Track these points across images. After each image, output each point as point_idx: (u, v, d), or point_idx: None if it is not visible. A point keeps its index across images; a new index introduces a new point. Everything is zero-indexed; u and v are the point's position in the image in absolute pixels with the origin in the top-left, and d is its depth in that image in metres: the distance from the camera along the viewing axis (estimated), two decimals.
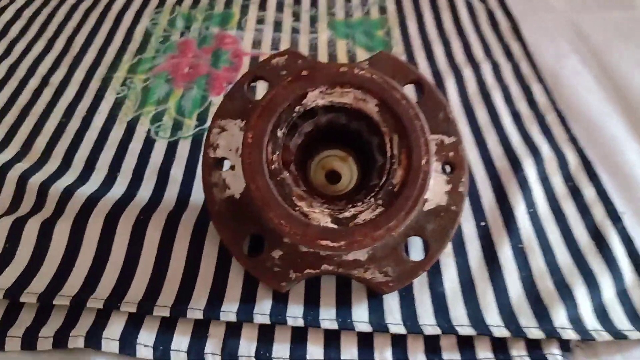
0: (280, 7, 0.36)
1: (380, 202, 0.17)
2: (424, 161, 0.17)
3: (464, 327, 0.18)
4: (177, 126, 0.27)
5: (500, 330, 0.18)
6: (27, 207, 0.22)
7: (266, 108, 0.17)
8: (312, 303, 0.19)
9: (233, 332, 0.18)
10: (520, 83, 0.29)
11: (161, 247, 0.20)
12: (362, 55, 0.32)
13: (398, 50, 0.32)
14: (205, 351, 0.18)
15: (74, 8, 0.35)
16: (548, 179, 0.24)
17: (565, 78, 0.29)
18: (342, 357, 0.18)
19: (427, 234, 0.19)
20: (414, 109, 0.18)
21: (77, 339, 0.17)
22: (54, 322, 0.18)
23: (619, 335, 0.18)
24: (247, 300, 0.19)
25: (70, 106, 0.28)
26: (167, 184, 0.24)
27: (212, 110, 0.27)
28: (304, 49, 0.32)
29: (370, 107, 0.18)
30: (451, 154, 0.19)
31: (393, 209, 0.17)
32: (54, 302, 0.18)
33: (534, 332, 0.18)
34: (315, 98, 0.18)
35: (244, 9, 0.35)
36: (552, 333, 0.18)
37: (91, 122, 0.27)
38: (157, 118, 0.27)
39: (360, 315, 0.19)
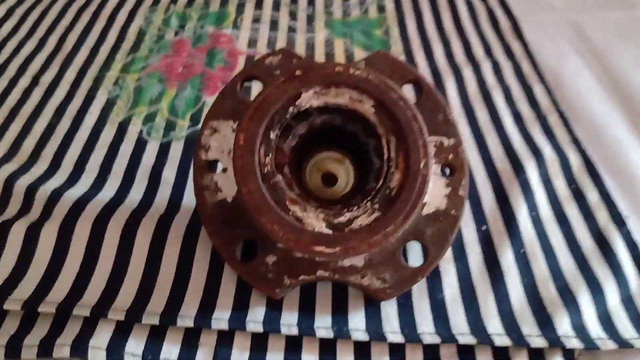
0: (276, 6, 0.35)
1: (377, 206, 0.17)
2: (422, 164, 0.17)
3: (464, 335, 0.18)
4: (169, 127, 0.26)
5: (501, 339, 0.17)
6: (14, 210, 0.22)
7: (258, 109, 0.17)
8: (307, 310, 0.18)
9: (225, 340, 0.18)
10: (522, 83, 0.28)
11: (151, 252, 0.20)
12: (360, 54, 0.31)
13: (397, 49, 0.32)
14: None
15: (66, 6, 0.34)
16: (550, 182, 0.23)
17: (566, 78, 0.29)
18: None
19: (426, 239, 0.18)
20: (412, 110, 0.17)
21: (62, 348, 0.17)
22: (39, 330, 0.18)
23: (624, 344, 0.17)
24: (240, 308, 0.18)
25: (61, 106, 0.27)
26: (158, 186, 0.23)
27: (206, 111, 0.27)
28: (300, 48, 0.32)
29: (367, 108, 0.17)
30: (451, 156, 0.18)
31: (390, 213, 0.16)
32: (39, 310, 0.18)
33: (537, 340, 0.17)
34: (309, 99, 0.17)
35: (240, 8, 0.35)
36: (555, 342, 0.17)
37: (82, 122, 0.26)
38: (149, 118, 0.27)
39: (357, 323, 0.18)
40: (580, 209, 0.22)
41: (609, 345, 0.17)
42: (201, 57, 0.31)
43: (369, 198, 0.17)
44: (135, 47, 0.31)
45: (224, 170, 0.19)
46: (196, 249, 0.20)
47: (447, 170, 0.19)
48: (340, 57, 0.31)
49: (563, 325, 0.18)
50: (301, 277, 0.18)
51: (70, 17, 0.33)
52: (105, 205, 0.21)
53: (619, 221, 0.21)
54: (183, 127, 0.26)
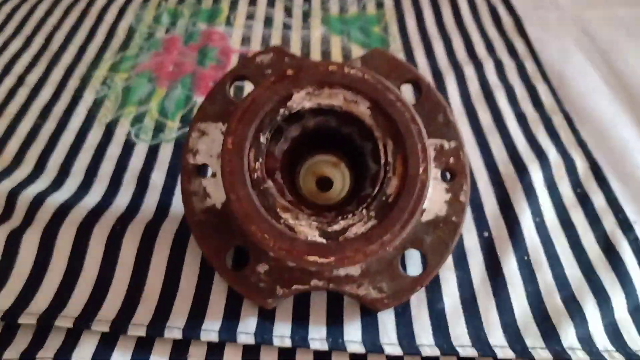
0: (271, 2, 0.34)
1: (373, 213, 0.16)
2: (421, 169, 0.16)
3: (465, 347, 0.17)
4: (159, 128, 0.25)
5: (504, 351, 0.17)
6: None
7: (247, 111, 0.16)
8: (300, 321, 0.18)
9: (215, 352, 0.17)
10: (525, 82, 0.28)
11: (138, 260, 0.19)
12: (357, 52, 0.30)
13: (396, 47, 0.31)
14: None
15: (54, 4, 0.33)
16: (555, 186, 0.22)
17: (571, 77, 0.28)
18: None
19: (425, 247, 0.17)
20: (410, 111, 0.16)
21: None
22: (20, 342, 0.17)
23: (632, 356, 0.17)
24: (231, 318, 0.17)
25: (46, 107, 0.26)
26: (146, 190, 0.22)
27: None
28: (295, 46, 0.31)
29: (362, 109, 0.16)
30: (451, 160, 0.17)
31: (387, 221, 0.16)
32: (20, 321, 0.17)
33: (541, 353, 0.17)
34: (301, 100, 0.16)
35: (233, 4, 0.34)
36: (560, 354, 0.17)
37: (68, 124, 0.25)
38: (138, 120, 0.26)
39: (353, 334, 0.17)
40: (586, 214, 0.21)
41: (617, 357, 0.17)
42: (192, 55, 0.30)
43: (364, 205, 0.16)
44: (125, 45, 0.30)
45: (213, 175, 0.18)
46: (185, 257, 0.19)
47: (448, 175, 0.18)
48: (337, 55, 0.30)
49: (568, 336, 0.17)
50: (294, 287, 0.17)
51: (59, 15, 0.33)
52: (91, 211, 0.21)
53: (626, 227, 0.21)
54: (173, 128, 0.25)
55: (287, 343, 0.17)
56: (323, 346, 0.17)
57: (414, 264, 0.19)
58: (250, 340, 0.17)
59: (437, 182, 0.17)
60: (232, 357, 0.17)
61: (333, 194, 0.19)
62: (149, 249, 0.19)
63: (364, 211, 0.16)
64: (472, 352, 0.17)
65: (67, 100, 0.26)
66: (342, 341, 0.17)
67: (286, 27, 0.32)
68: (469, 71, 0.28)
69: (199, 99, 0.27)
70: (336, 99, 0.17)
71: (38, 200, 0.21)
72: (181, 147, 0.24)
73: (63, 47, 0.30)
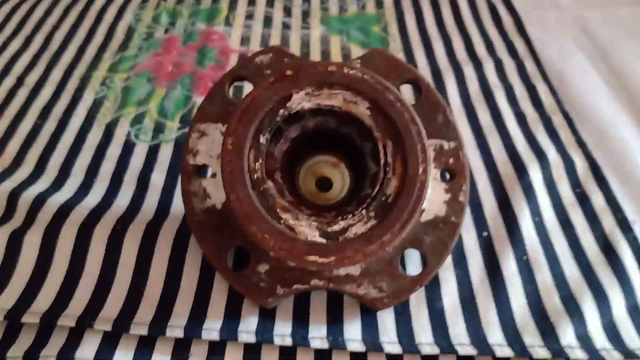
0: (270, 2, 0.34)
1: (372, 214, 0.16)
2: (420, 169, 0.16)
3: (464, 346, 0.17)
4: (158, 129, 0.25)
5: (503, 350, 0.17)
6: None
7: (246, 111, 0.16)
8: (301, 320, 0.18)
9: (216, 351, 0.17)
10: (525, 82, 0.28)
11: (139, 260, 0.19)
12: (357, 52, 0.30)
13: (395, 47, 0.31)
14: None
15: (54, 4, 0.33)
16: (555, 185, 0.22)
17: (571, 77, 0.28)
18: None
19: (425, 247, 0.17)
20: (410, 111, 0.16)
21: None
22: (23, 342, 0.17)
23: (630, 355, 0.17)
24: (232, 317, 0.18)
25: (46, 107, 0.26)
26: (147, 191, 0.22)
27: None
28: (295, 46, 0.31)
29: (362, 110, 0.17)
30: (451, 160, 0.18)
31: (387, 221, 0.16)
32: (23, 320, 0.17)
33: (540, 351, 0.17)
34: (300, 100, 0.16)
35: (232, 4, 0.34)
36: (559, 353, 0.17)
37: (67, 124, 0.25)
38: (137, 120, 0.26)
39: (353, 333, 0.17)
40: (585, 214, 0.21)
41: (615, 356, 0.17)
42: (192, 55, 0.30)
43: (364, 205, 0.16)
44: (124, 45, 0.30)
45: (213, 175, 0.18)
46: (186, 257, 0.19)
47: (447, 175, 0.18)
48: (336, 55, 0.30)
49: (567, 335, 0.17)
50: (295, 287, 0.17)
51: (58, 15, 0.32)
52: (92, 211, 0.21)
53: (625, 227, 0.21)
54: (172, 129, 0.25)
55: (288, 342, 0.17)
56: (323, 345, 0.17)
57: (413, 264, 0.19)
58: (251, 339, 0.17)
59: (436, 183, 0.17)
60: (233, 355, 0.17)
61: (332, 195, 0.19)
62: (150, 248, 0.19)
63: (364, 211, 0.16)
64: (471, 350, 0.17)
65: (67, 100, 0.27)
66: (342, 340, 0.17)
67: (285, 26, 0.32)
68: (469, 71, 0.28)
69: (198, 99, 0.27)
70: (336, 99, 0.17)
71: (39, 201, 0.21)
72: (181, 147, 0.24)
73: (62, 47, 0.30)
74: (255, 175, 0.16)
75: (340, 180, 0.19)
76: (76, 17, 0.32)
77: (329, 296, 0.18)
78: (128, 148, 0.24)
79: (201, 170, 0.18)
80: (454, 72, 0.28)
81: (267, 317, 0.18)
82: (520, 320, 0.18)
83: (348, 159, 0.19)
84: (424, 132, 0.16)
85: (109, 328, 0.17)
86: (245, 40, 0.31)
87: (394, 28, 0.32)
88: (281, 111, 0.17)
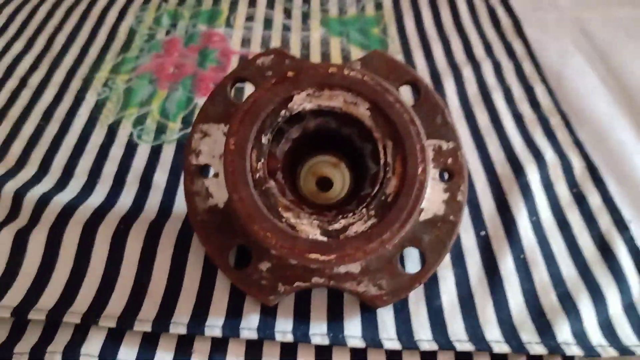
0: (270, 4, 0.34)
1: (372, 212, 0.16)
2: (419, 169, 0.16)
3: (462, 342, 0.17)
4: (160, 130, 0.26)
5: (500, 346, 0.17)
6: (1, 215, 0.21)
7: (248, 112, 0.16)
8: (302, 317, 0.18)
9: (219, 347, 0.17)
10: (523, 84, 0.28)
11: (142, 258, 0.19)
12: (356, 54, 0.31)
13: (394, 48, 0.31)
14: None
15: (56, 6, 0.34)
16: (552, 186, 0.23)
17: (569, 78, 0.28)
18: None
19: (424, 245, 0.18)
20: (409, 112, 0.17)
21: (53, 356, 0.16)
22: (30, 338, 0.17)
23: (625, 351, 0.17)
24: (234, 315, 0.18)
25: (49, 109, 0.26)
26: (149, 191, 0.22)
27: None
28: (295, 47, 0.31)
29: (362, 111, 0.17)
30: (449, 160, 0.18)
31: (387, 220, 0.16)
32: (30, 317, 0.17)
33: (536, 347, 0.17)
34: (301, 101, 0.17)
35: (233, 6, 0.34)
36: (555, 349, 0.17)
37: (70, 125, 0.25)
38: (139, 121, 0.26)
39: (353, 330, 0.18)
40: (582, 213, 0.22)
41: (610, 352, 0.17)
42: (193, 57, 0.30)
43: (364, 204, 0.17)
44: (126, 47, 0.31)
45: (216, 175, 0.18)
46: (188, 255, 0.19)
47: (446, 175, 0.18)
48: (336, 56, 0.30)
49: (563, 332, 0.18)
50: (296, 284, 0.17)
51: (60, 17, 0.33)
52: (95, 211, 0.21)
53: (621, 226, 0.21)
54: (174, 129, 0.26)
55: (289, 338, 0.17)
56: (324, 341, 0.17)
57: (412, 262, 0.19)
58: (253, 335, 0.17)
59: (435, 182, 0.18)
60: (235, 352, 0.17)
61: (333, 194, 0.19)
62: (153, 247, 0.20)
63: (364, 210, 0.16)
64: (469, 347, 0.17)
65: (70, 102, 0.27)
66: (342, 336, 0.17)
67: (286, 28, 0.32)
68: (467, 72, 0.29)
69: (200, 101, 0.27)
70: (336, 100, 0.17)
71: (43, 201, 0.21)
72: (183, 147, 0.24)
73: (65, 48, 0.30)
74: (257, 175, 0.16)
75: (341, 180, 0.19)
76: (78, 19, 0.33)
77: (330, 294, 0.19)
78: (130, 149, 0.24)
79: (203, 170, 0.18)
80: (453, 73, 0.29)
81: (268, 314, 0.18)
82: (518, 317, 0.18)
83: (348, 159, 0.19)
84: (423, 132, 0.17)
85: (113, 325, 0.17)
86: (245, 42, 0.31)
87: (393, 30, 0.32)
88: (283, 112, 0.17)
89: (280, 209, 0.16)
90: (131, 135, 0.25)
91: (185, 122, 0.26)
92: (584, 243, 0.20)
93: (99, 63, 0.29)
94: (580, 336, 0.17)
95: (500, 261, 0.20)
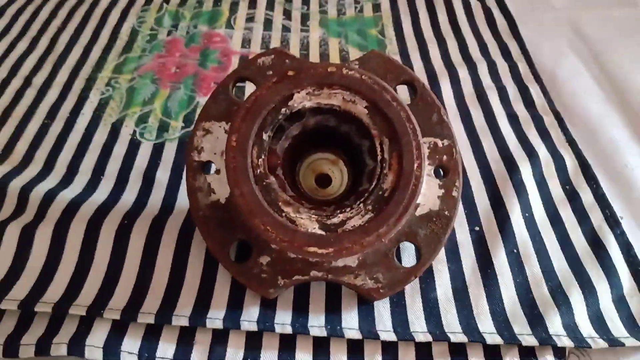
0: (270, 5, 0.35)
1: (370, 207, 0.17)
2: (415, 165, 0.17)
3: (456, 334, 0.18)
4: (163, 128, 0.26)
5: (493, 338, 0.18)
6: (8, 211, 0.22)
7: (250, 110, 0.17)
8: (300, 310, 0.18)
9: (220, 339, 0.18)
10: (518, 83, 0.28)
11: (145, 253, 0.20)
12: (355, 54, 0.31)
13: (392, 49, 0.31)
14: (192, 358, 0.17)
15: (59, 6, 0.34)
16: (545, 183, 0.23)
17: (563, 78, 0.29)
18: None
19: (419, 240, 0.18)
20: (406, 110, 0.17)
21: (59, 347, 0.17)
22: (36, 329, 0.18)
23: (615, 343, 0.18)
24: (234, 307, 0.18)
25: (53, 108, 0.27)
26: (152, 187, 0.23)
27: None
28: (295, 48, 0.31)
29: (360, 109, 0.17)
30: (445, 157, 0.18)
31: (383, 214, 0.16)
32: (36, 309, 0.18)
33: (528, 339, 0.18)
34: (301, 100, 0.17)
35: (234, 7, 0.35)
36: (546, 340, 0.18)
37: (74, 124, 0.26)
38: (142, 119, 0.26)
39: (350, 322, 0.18)
40: (574, 210, 0.22)
41: (600, 344, 0.18)
42: (194, 57, 0.30)
43: (362, 199, 0.17)
44: (128, 47, 0.31)
45: (217, 171, 0.19)
46: (190, 250, 0.20)
47: (441, 172, 0.19)
48: (334, 57, 0.31)
49: (554, 324, 0.18)
50: (295, 278, 0.18)
51: (62, 17, 0.33)
52: (99, 207, 0.21)
53: (613, 222, 0.21)
54: (176, 128, 0.26)
55: (288, 330, 0.18)
56: (322, 333, 0.18)
57: (408, 256, 0.20)
58: (253, 327, 0.18)
59: (430, 179, 0.18)
60: (235, 343, 0.18)
61: (332, 191, 0.20)
62: (156, 242, 0.20)
63: (362, 205, 0.17)
64: (462, 338, 0.18)
65: (73, 101, 0.27)
66: (340, 328, 0.18)
67: (285, 29, 0.33)
68: (463, 73, 0.29)
69: (201, 100, 0.28)
70: (335, 98, 0.17)
71: (49, 197, 0.22)
72: (185, 145, 0.25)
73: (68, 49, 0.31)
74: (258, 171, 0.17)
75: (339, 176, 0.20)
76: (80, 20, 0.33)
77: (328, 287, 0.19)
78: (133, 147, 0.25)
79: (205, 166, 0.19)
80: (449, 73, 0.29)
81: (268, 307, 0.18)
82: (510, 310, 0.19)
83: (346, 156, 0.19)
84: (419, 130, 0.17)
85: (117, 317, 0.18)
86: (246, 42, 0.32)
87: (390, 31, 0.33)
88: (283, 110, 0.17)
89: (280, 203, 0.17)
90: (134, 133, 0.26)
91: (187, 120, 0.26)
92: (576, 238, 0.21)
93: (101, 63, 0.30)
94: (571, 328, 0.18)
95: (494, 255, 0.20)
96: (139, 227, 0.20)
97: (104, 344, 0.17)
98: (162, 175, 0.24)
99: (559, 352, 0.18)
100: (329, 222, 0.17)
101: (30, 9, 0.34)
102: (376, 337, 0.18)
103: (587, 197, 0.23)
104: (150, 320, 0.18)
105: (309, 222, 0.17)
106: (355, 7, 0.35)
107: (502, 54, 0.31)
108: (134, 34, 0.32)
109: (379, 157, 0.17)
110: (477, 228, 0.21)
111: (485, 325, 0.18)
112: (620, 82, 0.28)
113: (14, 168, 0.23)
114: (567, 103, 0.27)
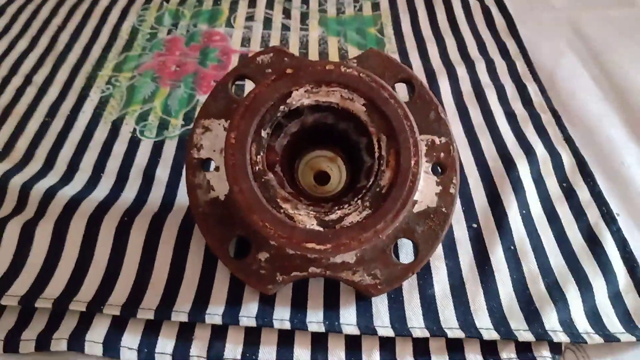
0: (270, 4, 0.35)
1: (367, 204, 0.17)
2: (412, 162, 0.17)
3: (453, 329, 0.18)
4: (163, 126, 0.26)
5: (489, 333, 0.18)
6: (9, 208, 0.22)
7: (249, 108, 0.17)
8: (299, 306, 0.19)
9: (219, 335, 0.18)
10: (516, 82, 0.29)
11: (145, 249, 0.20)
12: (354, 53, 0.31)
13: (391, 48, 0.32)
14: (191, 354, 0.17)
15: (59, 4, 0.34)
16: (542, 180, 0.23)
17: (561, 77, 0.29)
18: None
19: (417, 236, 0.18)
20: (403, 108, 0.17)
21: (59, 342, 0.17)
22: (37, 325, 0.18)
23: (610, 338, 0.18)
24: (233, 303, 0.18)
25: (54, 106, 0.27)
26: (152, 185, 0.23)
27: None
28: (294, 46, 0.32)
29: (358, 106, 0.18)
30: (442, 154, 0.19)
31: (381, 211, 0.17)
32: (36, 305, 0.18)
33: (525, 334, 0.18)
34: (300, 97, 0.17)
35: (233, 6, 0.35)
36: (542, 336, 0.18)
37: (75, 122, 0.26)
38: (142, 117, 0.27)
39: (348, 318, 0.18)
40: (571, 207, 0.22)
41: (596, 339, 0.18)
42: (194, 55, 0.31)
43: (359, 196, 0.17)
44: (128, 45, 0.31)
45: (216, 168, 0.19)
46: (190, 246, 0.20)
47: (439, 169, 0.19)
48: (333, 55, 0.31)
49: (551, 320, 0.18)
50: (293, 274, 0.18)
51: (63, 16, 0.33)
52: (99, 204, 0.22)
53: (609, 219, 0.22)
54: (176, 126, 0.26)
55: (287, 325, 0.18)
56: (320, 328, 0.18)
57: (406, 253, 0.20)
58: (251, 323, 0.18)
59: (428, 176, 0.18)
60: (234, 339, 0.18)
61: (330, 188, 0.20)
62: (156, 239, 0.20)
63: (359, 201, 0.17)
64: (459, 333, 0.18)
65: (74, 99, 0.27)
66: (338, 324, 0.18)
67: (285, 28, 0.33)
68: (462, 71, 0.29)
69: (201, 98, 0.28)
70: (333, 96, 0.18)
71: (49, 194, 0.22)
72: (184, 143, 0.25)
73: (68, 47, 0.31)
74: (257, 168, 0.17)
75: (338, 174, 0.20)
76: (81, 18, 0.33)
77: (326, 283, 0.19)
78: (133, 144, 0.25)
79: (205, 164, 0.19)
80: (448, 72, 0.29)
81: (267, 303, 0.18)
82: (507, 305, 0.19)
83: (345, 153, 0.20)
84: (416, 127, 0.17)
85: (117, 313, 0.18)
86: (245, 41, 0.32)
87: (389, 30, 0.33)
88: (281, 107, 0.18)
89: (278, 200, 0.17)
90: (134, 131, 0.26)
91: (187, 118, 0.27)
92: (573, 235, 0.21)
93: (102, 61, 0.30)
94: (567, 324, 0.18)
95: (491, 252, 0.20)
96: (139, 223, 0.21)
97: (104, 339, 0.17)
98: (162, 173, 0.24)
99: (555, 347, 0.18)
100: (326, 218, 0.17)
101: (30, 8, 0.34)
102: (374, 332, 0.18)
103: (584, 194, 0.23)
104: (150, 316, 0.18)
105: (307, 219, 0.17)
106: (355, 6, 0.35)
107: (500, 53, 0.31)
108: (134, 32, 0.32)
109: (377, 154, 0.17)
110: (474, 225, 0.22)
111: (482, 321, 0.18)
112: (618, 81, 0.28)
113: (14, 165, 0.24)
114: (566, 102, 0.27)
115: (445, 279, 0.20)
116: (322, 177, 0.20)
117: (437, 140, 0.19)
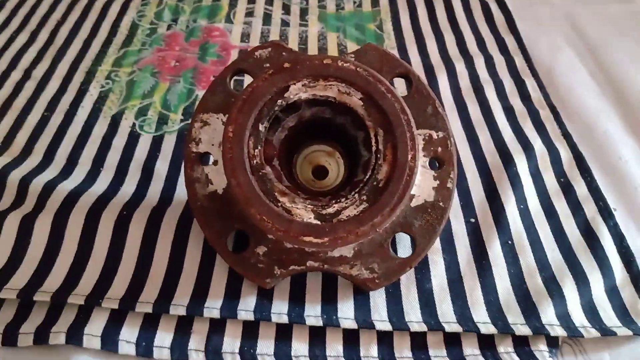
0: (269, 0, 0.35)
1: (364, 197, 0.17)
2: (409, 156, 0.17)
3: (450, 323, 0.18)
4: (162, 120, 0.26)
5: (487, 327, 0.18)
6: (8, 202, 0.22)
7: (247, 101, 0.17)
8: (297, 299, 0.19)
9: (217, 328, 0.18)
10: (514, 77, 0.29)
11: (144, 243, 0.20)
12: (353, 48, 0.31)
13: (390, 43, 0.32)
14: (189, 347, 0.17)
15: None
16: (540, 175, 0.23)
17: (560, 73, 0.29)
18: (327, 354, 0.17)
19: (415, 230, 0.18)
20: (400, 102, 0.17)
21: (58, 335, 0.17)
22: (35, 318, 0.18)
23: (607, 332, 0.18)
24: (231, 297, 0.19)
25: (53, 100, 0.27)
26: (151, 179, 0.23)
27: None
28: (293, 42, 0.32)
29: (355, 100, 0.18)
30: (439, 149, 0.19)
31: (378, 204, 0.17)
32: (35, 298, 0.18)
33: (522, 328, 0.18)
34: (297, 91, 0.17)
35: (233, 1, 0.35)
36: (539, 330, 0.18)
37: (74, 116, 0.26)
38: (142, 112, 0.27)
39: (346, 311, 0.18)
40: (568, 201, 0.22)
41: (593, 333, 0.18)
42: (194, 50, 0.31)
43: (357, 189, 0.17)
44: (128, 40, 0.31)
45: (215, 162, 0.19)
46: (188, 240, 0.20)
47: (436, 163, 0.19)
48: (333, 51, 0.31)
49: (548, 314, 0.18)
50: (291, 268, 0.18)
51: (62, 11, 0.33)
52: (99, 198, 0.22)
53: (606, 214, 0.22)
54: (175, 120, 0.26)
55: (285, 319, 0.18)
56: (318, 322, 0.18)
57: (403, 247, 0.20)
58: (249, 316, 0.18)
59: (425, 170, 0.18)
60: (232, 332, 0.18)
61: (328, 182, 0.20)
62: (154, 233, 0.20)
63: (356, 195, 0.17)
64: (457, 327, 0.18)
65: (73, 93, 0.27)
66: (335, 318, 0.18)
67: (284, 24, 0.33)
68: (460, 67, 0.29)
69: (200, 93, 0.28)
70: (331, 90, 0.18)
71: (48, 188, 0.22)
72: (184, 138, 0.25)
73: (67, 42, 0.31)
74: (255, 161, 0.17)
75: (336, 168, 0.20)
76: (80, 13, 0.33)
77: (324, 277, 0.19)
78: (133, 139, 0.25)
79: (203, 158, 0.19)
80: (446, 67, 0.29)
81: (265, 297, 0.19)
82: (504, 300, 0.19)
83: (342, 148, 0.20)
84: (413, 121, 0.17)
85: (115, 306, 0.18)
86: (245, 37, 0.32)
87: (388, 26, 0.33)
88: (279, 101, 0.18)
89: (276, 193, 0.17)
90: (133, 126, 0.26)
91: (186, 113, 0.27)
92: (570, 229, 0.21)
93: (101, 56, 0.30)
94: (564, 318, 0.18)
95: (489, 246, 0.20)
96: (137, 217, 0.21)
97: (102, 332, 0.17)
98: (161, 167, 0.24)
99: (552, 341, 0.18)
100: (324, 212, 0.17)
101: (30, 2, 0.34)
102: (372, 326, 0.18)
103: (581, 189, 0.23)
104: (149, 309, 0.18)
105: (304, 212, 0.17)
106: (354, 2, 0.35)
107: (499, 49, 0.31)
108: (134, 27, 0.32)
109: (374, 148, 0.18)
110: (472, 219, 0.22)
111: (480, 315, 0.18)
112: (616, 77, 0.28)
113: (13, 159, 0.24)
114: (564, 97, 0.27)
115: (443, 273, 0.20)
116: (321, 172, 0.20)
117: (434, 135, 0.19)
